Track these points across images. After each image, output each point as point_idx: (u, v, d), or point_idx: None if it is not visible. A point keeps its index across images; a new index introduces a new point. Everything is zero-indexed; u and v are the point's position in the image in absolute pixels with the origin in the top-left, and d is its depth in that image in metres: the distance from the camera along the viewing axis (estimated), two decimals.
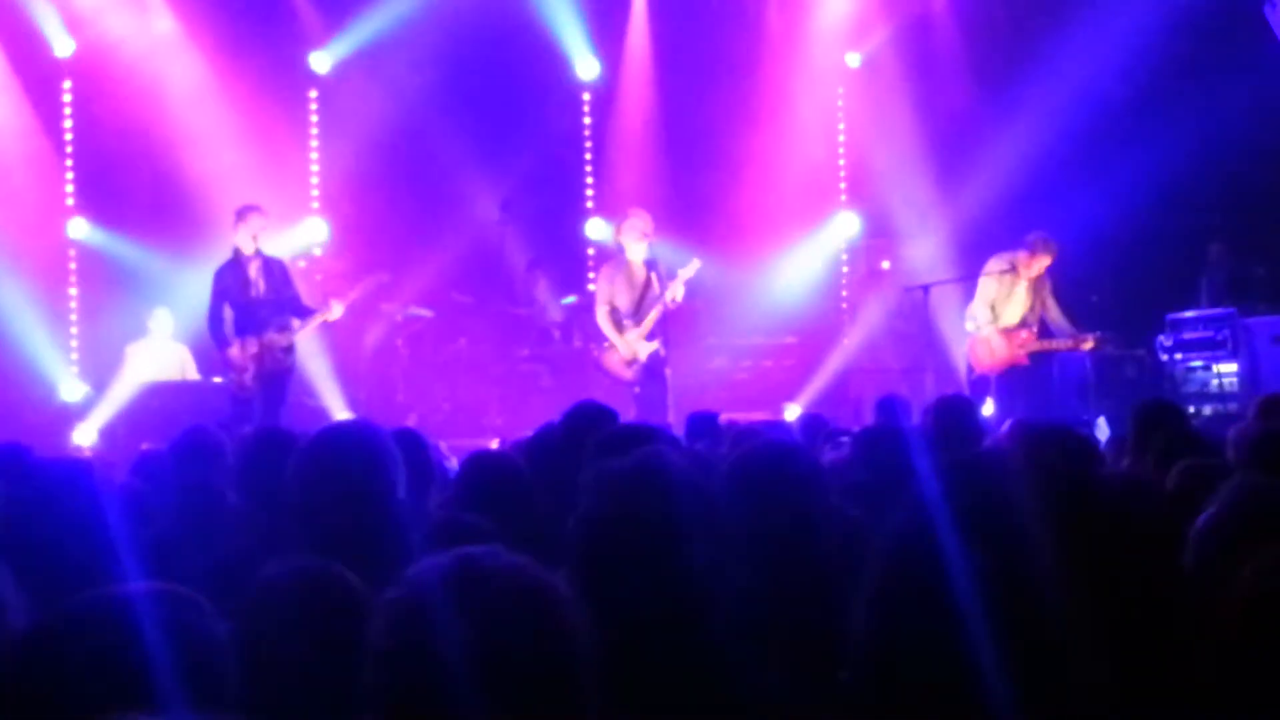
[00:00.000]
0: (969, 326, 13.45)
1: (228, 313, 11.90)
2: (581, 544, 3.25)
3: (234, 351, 11.78)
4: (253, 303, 11.84)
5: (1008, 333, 13.16)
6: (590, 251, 16.84)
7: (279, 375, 11.95)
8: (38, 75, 14.90)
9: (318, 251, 16.02)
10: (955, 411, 8.02)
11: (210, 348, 12.46)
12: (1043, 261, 13.07)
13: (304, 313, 12.24)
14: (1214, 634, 2.22)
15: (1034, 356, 13.13)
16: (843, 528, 4.42)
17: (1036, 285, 13.17)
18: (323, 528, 4.21)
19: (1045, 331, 13.22)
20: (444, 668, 2.32)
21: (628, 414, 12.06)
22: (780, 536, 4.01)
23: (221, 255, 12.19)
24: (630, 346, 12.65)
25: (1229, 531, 3.42)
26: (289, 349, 12.05)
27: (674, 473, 3.36)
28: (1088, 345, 13.06)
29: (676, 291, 12.61)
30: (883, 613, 2.02)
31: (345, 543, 4.06)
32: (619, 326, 12.73)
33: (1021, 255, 13.09)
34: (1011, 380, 13.12)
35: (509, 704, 2.32)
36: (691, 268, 12.70)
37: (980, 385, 13.22)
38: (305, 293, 12.99)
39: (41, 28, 14.82)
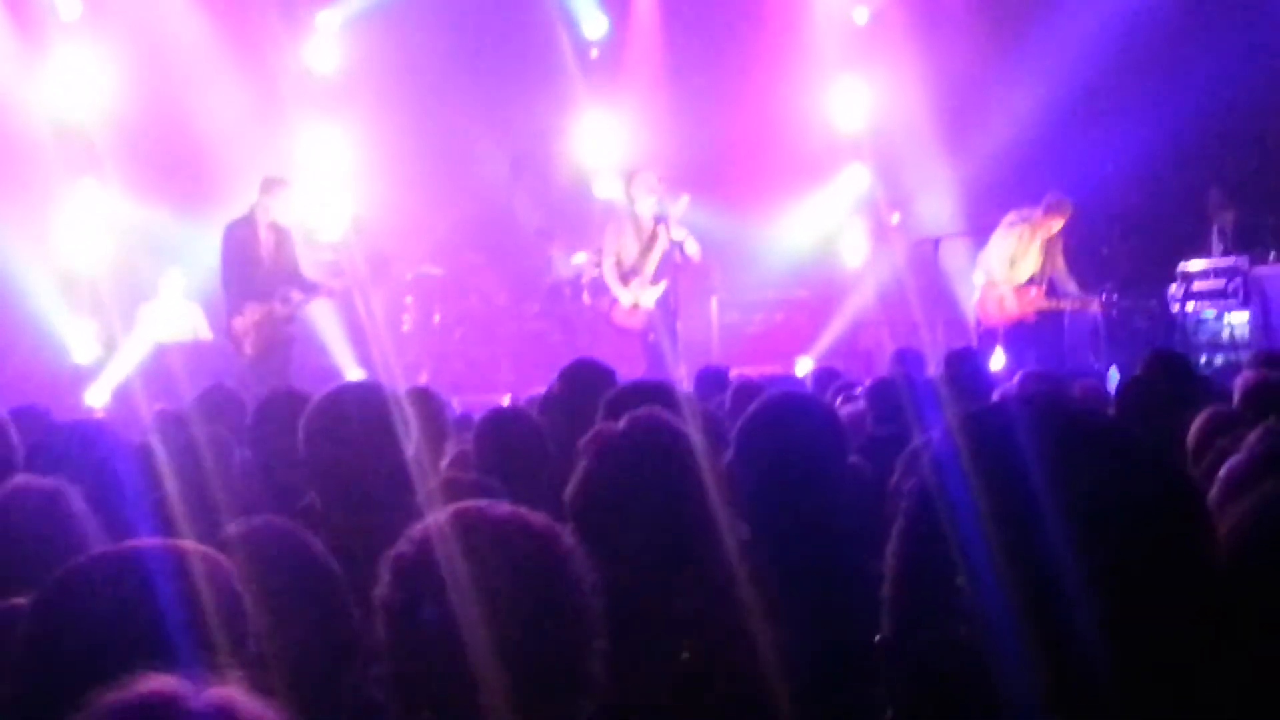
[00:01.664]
0: (977, 279, 13.48)
1: (238, 281, 11.98)
2: (579, 506, 3.29)
3: (237, 321, 11.84)
4: (260, 270, 11.87)
5: (1018, 289, 13.21)
6: (599, 207, 16.80)
7: (280, 344, 11.99)
8: (45, 38, 14.87)
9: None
10: (964, 364, 8.04)
11: (219, 308, 12.52)
12: (1058, 222, 13.13)
13: (307, 287, 12.28)
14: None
15: (1041, 314, 13.20)
16: (856, 481, 4.44)
17: (1049, 245, 13.21)
18: (331, 486, 4.25)
19: (1051, 289, 13.27)
20: (448, 617, 2.37)
21: (637, 367, 12.10)
22: (794, 490, 4.02)
23: (234, 212, 12.21)
24: (634, 295, 12.68)
25: (1254, 476, 3.43)
26: (289, 319, 12.09)
27: (671, 434, 3.40)
28: (1093, 308, 13.15)
29: (676, 232, 12.61)
30: (903, 571, 2.00)
31: (353, 500, 4.14)
32: (624, 279, 12.77)
33: (1038, 214, 13.16)
34: (1020, 333, 13.18)
35: (514, 649, 2.36)
36: (681, 204, 12.71)
37: (989, 337, 13.26)
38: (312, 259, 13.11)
39: None
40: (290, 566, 3.05)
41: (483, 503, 2.58)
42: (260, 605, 2.58)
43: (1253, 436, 3.70)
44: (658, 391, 4.98)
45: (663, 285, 12.68)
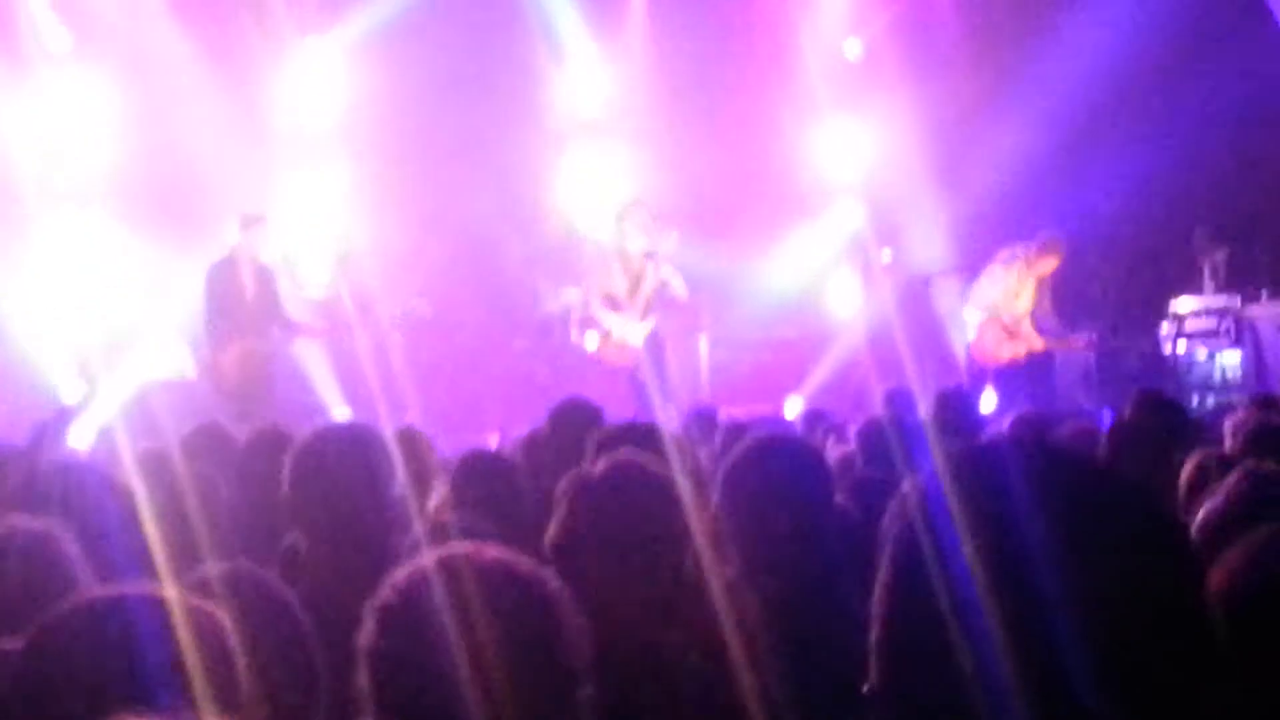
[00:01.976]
0: (970, 316, 13.50)
1: (221, 320, 12.19)
2: (558, 549, 3.30)
3: (219, 359, 12.03)
4: (241, 309, 12.11)
5: (1016, 327, 13.27)
6: (587, 244, 16.76)
7: (261, 382, 12.17)
8: (33, 70, 14.84)
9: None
10: (954, 404, 8.06)
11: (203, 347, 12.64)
12: (1052, 260, 13.20)
13: (289, 326, 12.48)
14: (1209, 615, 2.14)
15: (1032, 353, 13.26)
16: (845, 524, 4.42)
17: (1041, 284, 13.29)
18: (316, 528, 4.27)
19: (1039, 329, 13.36)
20: (434, 664, 2.38)
21: (627, 405, 12.08)
22: (779, 532, 4.02)
23: (220, 249, 12.44)
24: (622, 330, 12.67)
25: (1231, 519, 3.42)
26: (270, 358, 12.28)
27: (648, 476, 3.47)
28: (1078, 347, 13.22)
29: (664, 270, 12.67)
30: (889, 617, 1.99)
31: (338, 542, 4.17)
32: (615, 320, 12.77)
33: (1033, 251, 13.22)
34: (1011, 373, 13.21)
35: (502, 694, 2.35)
36: (670, 241, 12.73)
37: (980, 377, 13.26)
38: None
39: (37, 21, 14.79)
40: (257, 612, 3.04)
41: (469, 546, 2.55)
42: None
43: (1230, 479, 3.71)
44: (645, 433, 4.97)
45: (651, 322, 12.68)
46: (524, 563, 2.53)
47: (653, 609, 3.22)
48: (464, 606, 2.38)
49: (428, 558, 2.51)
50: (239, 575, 3.19)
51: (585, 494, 3.41)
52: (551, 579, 2.54)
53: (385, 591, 2.48)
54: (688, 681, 3.18)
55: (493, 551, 2.54)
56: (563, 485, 3.50)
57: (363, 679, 2.45)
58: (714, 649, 3.25)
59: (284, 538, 4.54)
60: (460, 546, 2.55)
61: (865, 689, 2.01)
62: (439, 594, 2.41)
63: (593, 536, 3.31)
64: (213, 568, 3.26)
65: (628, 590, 3.20)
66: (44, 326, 14.15)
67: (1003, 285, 13.36)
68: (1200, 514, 3.61)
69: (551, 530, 3.38)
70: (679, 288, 12.71)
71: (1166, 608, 1.82)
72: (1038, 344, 13.29)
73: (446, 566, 2.46)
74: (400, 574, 2.49)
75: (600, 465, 3.50)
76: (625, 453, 3.63)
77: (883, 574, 1.98)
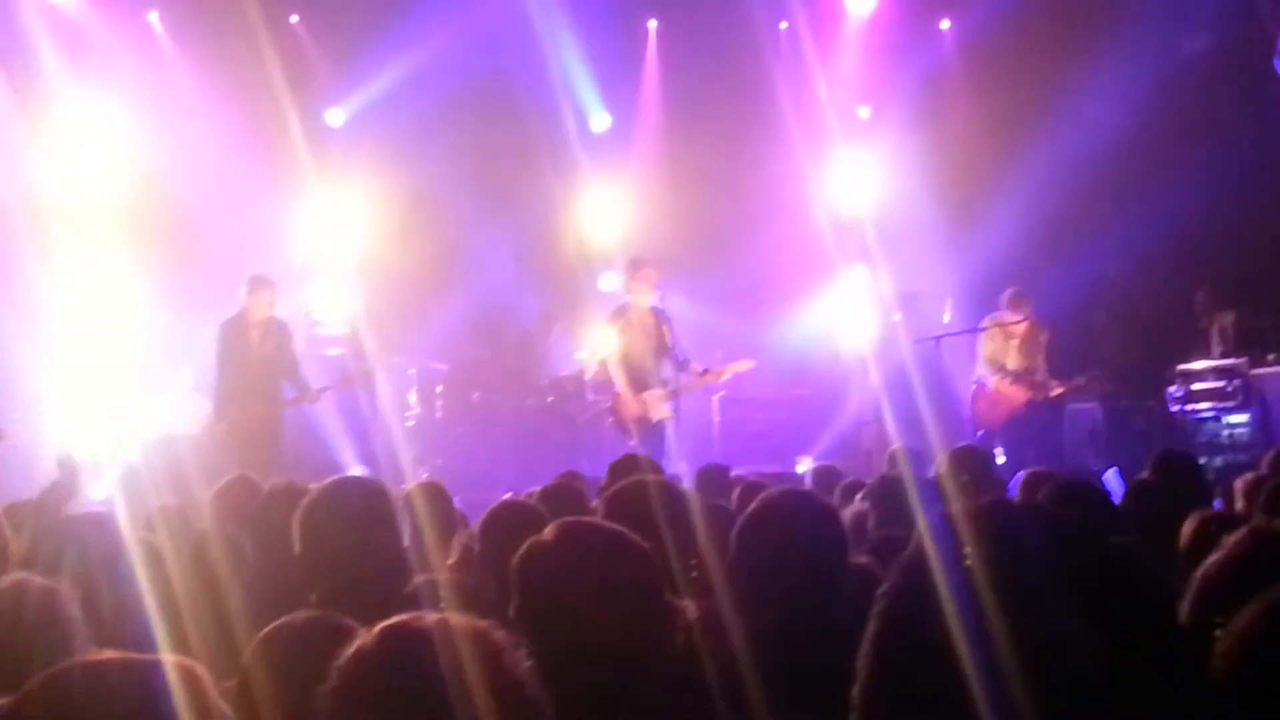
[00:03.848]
0: (975, 376, 13.71)
1: (228, 375, 12.37)
2: (523, 625, 3.25)
3: (223, 415, 12.16)
4: (249, 366, 12.27)
5: (1004, 384, 13.45)
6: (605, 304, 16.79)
7: (262, 442, 12.24)
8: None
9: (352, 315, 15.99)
10: (971, 462, 7.98)
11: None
12: (1019, 316, 13.41)
13: (304, 390, 12.64)
14: (1209, 676, 2.21)
15: (1032, 406, 13.34)
16: (862, 582, 4.41)
17: (1027, 341, 13.46)
18: (324, 579, 4.27)
19: (1038, 384, 13.57)
20: None
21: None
22: (793, 588, 4.01)
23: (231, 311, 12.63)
24: (643, 403, 12.65)
25: (1232, 577, 3.41)
26: (271, 420, 12.41)
27: (600, 536, 3.42)
28: (1080, 385, 13.34)
29: (722, 375, 13.02)
30: (878, 677, 2.03)
31: (345, 594, 4.10)
32: (632, 380, 12.73)
33: (1004, 312, 13.44)
34: (1017, 430, 13.31)
35: None
36: (744, 364, 13.12)
37: (987, 438, 13.30)
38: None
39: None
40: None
41: (417, 615, 2.49)
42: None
43: (1233, 538, 3.70)
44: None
45: (669, 410, 12.69)
46: (465, 621, 2.47)
47: (614, 667, 3.16)
48: (411, 680, 2.34)
49: (370, 637, 2.44)
50: (326, 625, 3.20)
51: (537, 563, 3.36)
52: (493, 631, 2.47)
53: (330, 681, 2.40)
54: None
55: (431, 617, 2.47)
56: (518, 555, 3.44)
57: None
58: (683, 699, 3.23)
59: (300, 595, 4.38)
60: (404, 618, 2.47)
61: None
62: (376, 667, 2.37)
63: (549, 602, 3.26)
64: (298, 617, 3.28)
65: (585, 651, 3.14)
66: (60, 384, 14.17)
67: (988, 350, 13.76)
68: (1200, 571, 3.60)
69: (511, 607, 3.32)
70: (730, 371, 13.07)
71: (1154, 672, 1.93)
72: (1032, 394, 13.44)
73: (379, 638, 2.42)
74: (343, 661, 2.42)
75: (550, 531, 3.43)
76: (574, 519, 3.61)
77: (873, 631, 2.05)
